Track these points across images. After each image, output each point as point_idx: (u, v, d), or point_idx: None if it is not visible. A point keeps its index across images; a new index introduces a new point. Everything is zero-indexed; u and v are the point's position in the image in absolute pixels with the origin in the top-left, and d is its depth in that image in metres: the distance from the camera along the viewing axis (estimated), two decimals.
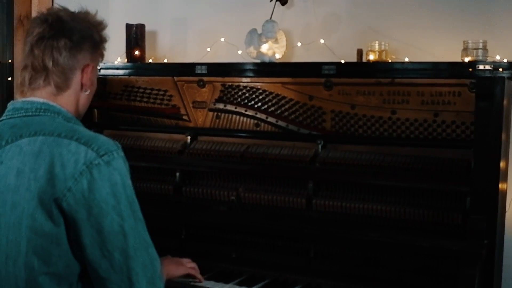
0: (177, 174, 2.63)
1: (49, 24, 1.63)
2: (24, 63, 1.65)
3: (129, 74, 2.86)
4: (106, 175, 1.49)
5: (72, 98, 1.67)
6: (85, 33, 1.67)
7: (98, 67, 2.77)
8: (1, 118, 1.63)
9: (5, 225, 1.50)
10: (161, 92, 2.80)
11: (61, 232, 1.49)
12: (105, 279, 1.52)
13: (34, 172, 1.48)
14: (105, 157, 1.51)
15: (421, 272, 2.15)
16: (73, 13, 1.71)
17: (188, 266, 2.12)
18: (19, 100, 1.64)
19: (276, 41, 2.69)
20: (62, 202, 1.47)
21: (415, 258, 2.15)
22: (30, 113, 1.60)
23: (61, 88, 1.64)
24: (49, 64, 1.61)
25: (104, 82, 2.92)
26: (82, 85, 1.68)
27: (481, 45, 2.32)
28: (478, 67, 2.18)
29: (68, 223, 1.49)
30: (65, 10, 1.70)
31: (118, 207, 1.50)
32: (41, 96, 1.63)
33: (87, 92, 1.70)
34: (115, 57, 3.03)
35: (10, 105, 1.64)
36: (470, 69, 2.21)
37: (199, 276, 2.13)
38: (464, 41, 2.35)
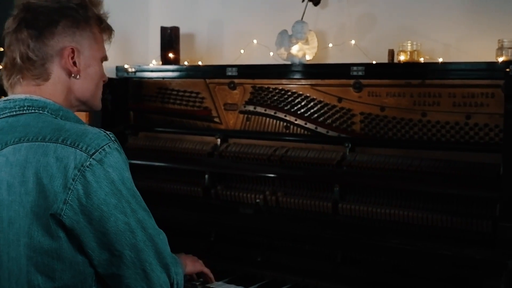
0: (206, 176, 2.64)
1: (13, 17, 1.54)
2: (3, 62, 1.57)
3: (162, 77, 2.89)
4: (101, 175, 1.40)
5: (58, 87, 1.55)
6: (56, 15, 1.53)
7: (133, 70, 2.90)
8: None
9: (5, 241, 1.45)
10: (194, 95, 2.81)
11: (61, 246, 1.43)
12: (120, 276, 1.47)
13: (24, 186, 1.41)
14: (96, 155, 1.40)
15: (450, 281, 2.05)
16: None
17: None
18: (1, 99, 1.55)
19: (306, 42, 2.64)
20: (61, 217, 1.39)
21: (444, 267, 2.06)
22: (14, 112, 1.51)
23: (39, 79, 1.54)
24: (18, 59, 1.52)
25: (139, 85, 2.96)
26: (68, 70, 1.55)
27: None
28: None
29: (70, 234, 1.43)
30: None
31: (120, 205, 1.43)
32: (22, 91, 1.54)
33: (80, 78, 1.57)
34: (150, 59, 3.07)
35: None
36: (507, 69, 2.09)
37: (211, 275, 2.09)
38: (499, 40, 2.24)
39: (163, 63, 2.98)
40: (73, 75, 1.56)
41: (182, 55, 3.06)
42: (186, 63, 3.01)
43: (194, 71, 2.84)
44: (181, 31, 3.07)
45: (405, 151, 2.30)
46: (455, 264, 1.98)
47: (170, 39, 2.95)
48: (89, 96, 1.62)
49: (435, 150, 2.26)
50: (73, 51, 1.55)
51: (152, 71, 2.92)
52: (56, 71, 1.55)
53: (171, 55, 2.95)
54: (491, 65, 2.15)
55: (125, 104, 3.00)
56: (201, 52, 3.17)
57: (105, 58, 1.67)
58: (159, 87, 2.91)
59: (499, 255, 1.89)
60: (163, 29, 2.98)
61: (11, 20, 1.55)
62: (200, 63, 2.97)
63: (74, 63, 1.56)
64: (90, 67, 1.59)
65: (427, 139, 2.28)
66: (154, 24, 3.21)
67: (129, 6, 3.20)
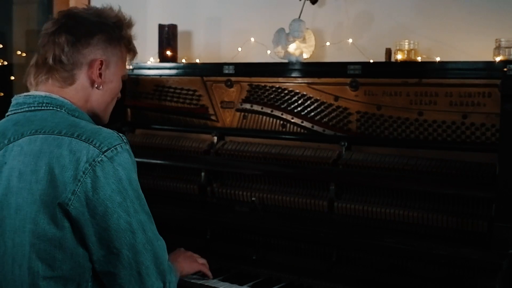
0: (202, 174, 2.63)
1: (54, 21, 1.63)
2: (34, 59, 1.65)
3: (160, 74, 2.89)
4: (110, 172, 1.46)
5: (80, 93, 1.62)
6: (94, 28, 1.62)
7: (130, 67, 2.89)
8: (6, 114, 1.63)
9: (11, 227, 1.50)
10: (190, 92, 2.81)
11: (65, 236, 1.47)
12: (115, 274, 1.50)
13: (35, 174, 1.47)
14: (108, 152, 1.47)
15: (445, 281, 2.04)
16: (89, 9, 1.69)
17: (199, 262, 2.10)
18: (21, 94, 1.62)
19: (303, 40, 2.64)
20: (68, 207, 1.44)
21: (439, 267, 2.06)
22: (33, 108, 1.58)
23: (65, 82, 1.60)
24: (50, 59, 1.59)
25: (136, 82, 2.96)
26: (92, 80, 1.63)
27: None
28: (510, 66, 2.06)
29: (74, 225, 1.47)
30: (86, 8, 1.69)
31: (125, 204, 1.47)
32: (45, 89, 1.61)
33: (101, 89, 1.64)
34: (148, 57, 3.06)
35: (13, 100, 1.62)
36: (505, 69, 2.09)
37: (209, 272, 2.12)
38: (496, 39, 2.23)
39: (161, 61, 2.98)
40: (96, 85, 1.64)
41: (179, 53, 3.05)
42: (183, 60, 3.01)
43: (191, 69, 2.83)
44: (179, 29, 3.06)
45: (401, 150, 2.30)
46: (450, 263, 1.98)
47: (167, 37, 2.95)
48: (103, 109, 1.70)
49: (431, 149, 2.25)
50: (101, 64, 1.63)
51: (149, 68, 2.92)
52: (82, 79, 1.63)
53: (168, 52, 2.95)
54: (488, 65, 2.14)
55: (122, 101, 2.98)
56: (198, 50, 3.17)
57: (125, 77, 1.76)
58: (156, 85, 2.91)
59: (494, 255, 1.89)
60: (161, 27, 2.98)
61: (51, 23, 1.63)
62: (197, 61, 2.96)
63: (100, 75, 1.64)
64: (112, 82, 1.68)
65: (424, 138, 2.28)
66: (152, 22, 3.20)
67: (126, 3, 3.13)
